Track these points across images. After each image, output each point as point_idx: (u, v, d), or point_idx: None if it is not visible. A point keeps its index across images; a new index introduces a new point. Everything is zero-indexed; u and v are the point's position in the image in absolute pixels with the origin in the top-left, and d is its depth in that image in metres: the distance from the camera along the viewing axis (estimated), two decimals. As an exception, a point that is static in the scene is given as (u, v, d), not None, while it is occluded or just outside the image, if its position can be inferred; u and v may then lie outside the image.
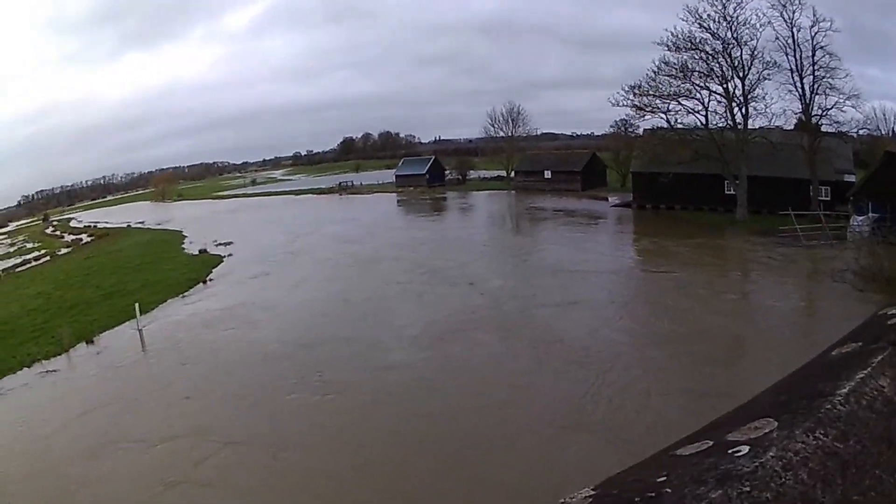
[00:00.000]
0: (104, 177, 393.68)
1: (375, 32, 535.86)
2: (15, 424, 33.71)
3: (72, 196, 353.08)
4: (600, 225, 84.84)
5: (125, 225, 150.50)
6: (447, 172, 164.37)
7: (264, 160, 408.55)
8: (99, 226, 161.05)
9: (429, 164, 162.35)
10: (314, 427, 29.68)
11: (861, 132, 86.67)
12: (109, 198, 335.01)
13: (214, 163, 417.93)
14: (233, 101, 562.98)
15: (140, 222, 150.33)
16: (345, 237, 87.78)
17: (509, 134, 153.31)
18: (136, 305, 51.64)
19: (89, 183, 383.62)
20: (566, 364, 34.35)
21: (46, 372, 42.29)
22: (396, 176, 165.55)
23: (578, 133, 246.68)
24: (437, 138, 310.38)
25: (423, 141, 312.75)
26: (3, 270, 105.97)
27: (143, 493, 25.01)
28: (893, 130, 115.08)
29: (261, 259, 75.41)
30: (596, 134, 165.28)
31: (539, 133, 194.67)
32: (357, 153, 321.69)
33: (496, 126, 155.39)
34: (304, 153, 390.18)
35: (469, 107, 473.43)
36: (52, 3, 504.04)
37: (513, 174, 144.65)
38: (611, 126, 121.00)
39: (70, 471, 27.62)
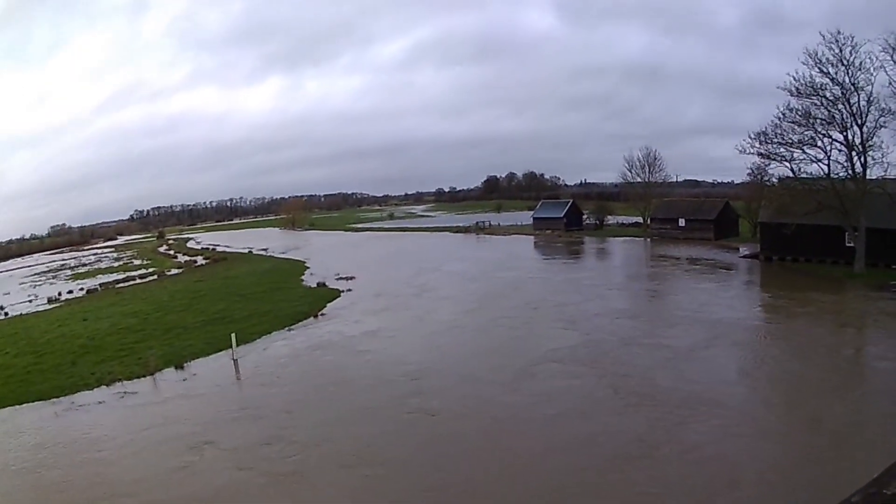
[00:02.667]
0: (231, 199, 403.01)
1: (525, 72, 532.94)
2: (83, 440, 36.01)
3: (193, 216, 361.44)
4: (721, 275, 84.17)
5: (246, 250, 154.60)
6: (585, 217, 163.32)
7: (406, 194, 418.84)
8: (218, 249, 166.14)
9: (567, 208, 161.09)
10: (386, 445, 32.64)
11: None
12: (236, 221, 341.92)
13: (353, 193, 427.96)
14: (377, 133, 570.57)
15: (263, 249, 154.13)
16: (469, 276, 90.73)
17: (645, 180, 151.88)
18: (233, 335, 53.54)
19: (214, 204, 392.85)
20: (650, 408, 35.84)
21: (125, 393, 44.27)
22: (534, 218, 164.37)
23: (719, 181, 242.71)
24: (583, 181, 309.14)
25: (567, 183, 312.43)
26: (102, 285, 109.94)
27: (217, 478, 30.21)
28: None
29: (379, 295, 77.13)
30: (736, 182, 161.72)
31: (680, 179, 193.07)
32: (501, 192, 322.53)
33: (633, 171, 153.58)
34: (447, 189, 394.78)
35: (616, 151, 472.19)
36: (190, 18, 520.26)
37: (648, 220, 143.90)
38: (747, 174, 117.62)
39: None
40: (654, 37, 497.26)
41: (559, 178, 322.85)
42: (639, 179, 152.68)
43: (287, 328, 61.75)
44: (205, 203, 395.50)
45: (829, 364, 43.05)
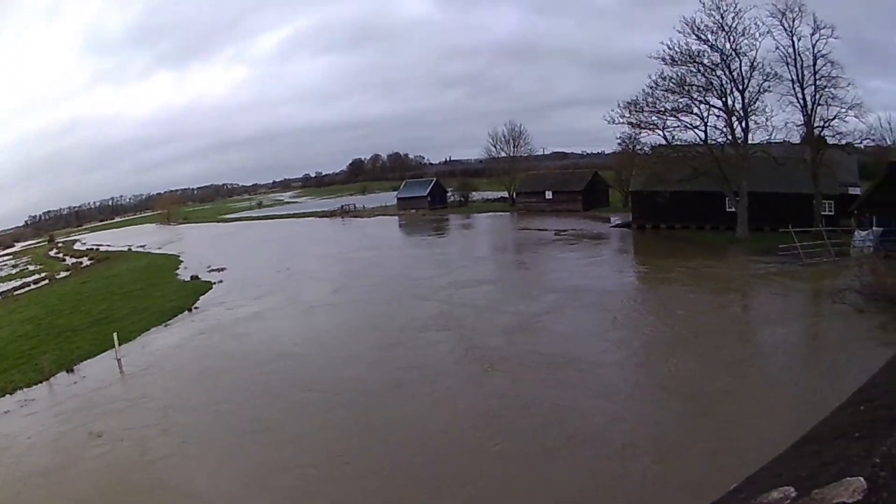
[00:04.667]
0: (112, 198, 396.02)
1: (399, 56, 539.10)
2: None
3: (80, 217, 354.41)
4: (589, 245, 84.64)
5: (126, 248, 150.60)
6: (449, 194, 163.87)
7: (274, 182, 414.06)
8: (101, 249, 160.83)
9: (430, 186, 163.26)
10: (267, 416, 34.44)
11: (866, 143, 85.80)
12: (117, 219, 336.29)
13: (224, 185, 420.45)
14: (250, 123, 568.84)
15: (141, 246, 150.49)
16: (335, 258, 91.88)
17: (510, 154, 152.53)
18: (115, 334, 52.01)
19: (97, 204, 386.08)
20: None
21: (26, 400, 42.70)
22: (398, 198, 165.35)
23: (588, 152, 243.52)
24: (448, 159, 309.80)
25: (432, 162, 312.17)
26: (2, 293, 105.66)
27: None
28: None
29: (249, 283, 76.72)
30: (606, 152, 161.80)
31: (548, 152, 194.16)
32: (366, 175, 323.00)
33: (498, 146, 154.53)
34: (313, 175, 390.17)
35: (484, 127, 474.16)
36: (91, 22, 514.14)
37: (514, 195, 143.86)
38: (618, 144, 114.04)
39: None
40: (527, 16, 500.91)
41: (424, 158, 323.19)
42: (504, 154, 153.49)
43: (164, 324, 61.01)
44: (89, 204, 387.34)
45: (697, 327, 43.35)
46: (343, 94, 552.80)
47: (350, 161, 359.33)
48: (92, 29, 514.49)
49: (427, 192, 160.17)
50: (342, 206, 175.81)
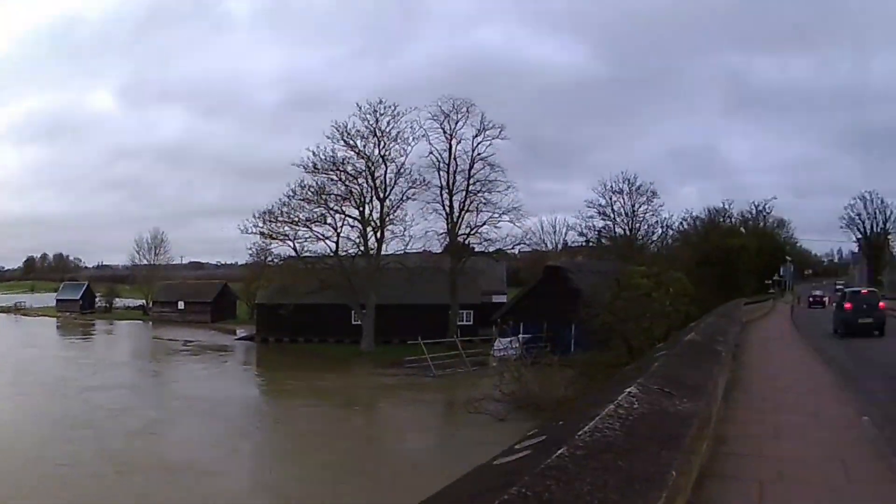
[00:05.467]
0: None
1: (78, 151, 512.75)
2: None
3: None
4: (211, 356, 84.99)
5: None
6: (98, 299, 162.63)
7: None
8: None
9: (83, 291, 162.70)
10: None
11: (520, 248, 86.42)
12: None
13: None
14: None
15: None
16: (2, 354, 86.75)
17: (151, 262, 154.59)
18: None
19: None
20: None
21: None
22: (57, 300, 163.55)
23: (223, 262, 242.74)
24: (100, 263, 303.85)
25: (88, 265, 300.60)
26: None
27: None
28: (566, 242, 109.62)
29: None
30: (240, 263, 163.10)
31: (185, 261, 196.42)
32: (36, 273, 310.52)
33: (141, 253, 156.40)
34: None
35: (134, 232, 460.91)
36: None
37: (151, 303, 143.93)
38: (249, 254, 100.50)
39: None
40: (193, 118, 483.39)
41: (81, 260, 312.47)
42: (146, 261, 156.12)
43: None
44: None
45: (306, 439, 43.32)
46: (34, 187, 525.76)
47: (25, 258, 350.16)
48: None
49: (80, 295, 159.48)
50: (16, 304, 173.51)
